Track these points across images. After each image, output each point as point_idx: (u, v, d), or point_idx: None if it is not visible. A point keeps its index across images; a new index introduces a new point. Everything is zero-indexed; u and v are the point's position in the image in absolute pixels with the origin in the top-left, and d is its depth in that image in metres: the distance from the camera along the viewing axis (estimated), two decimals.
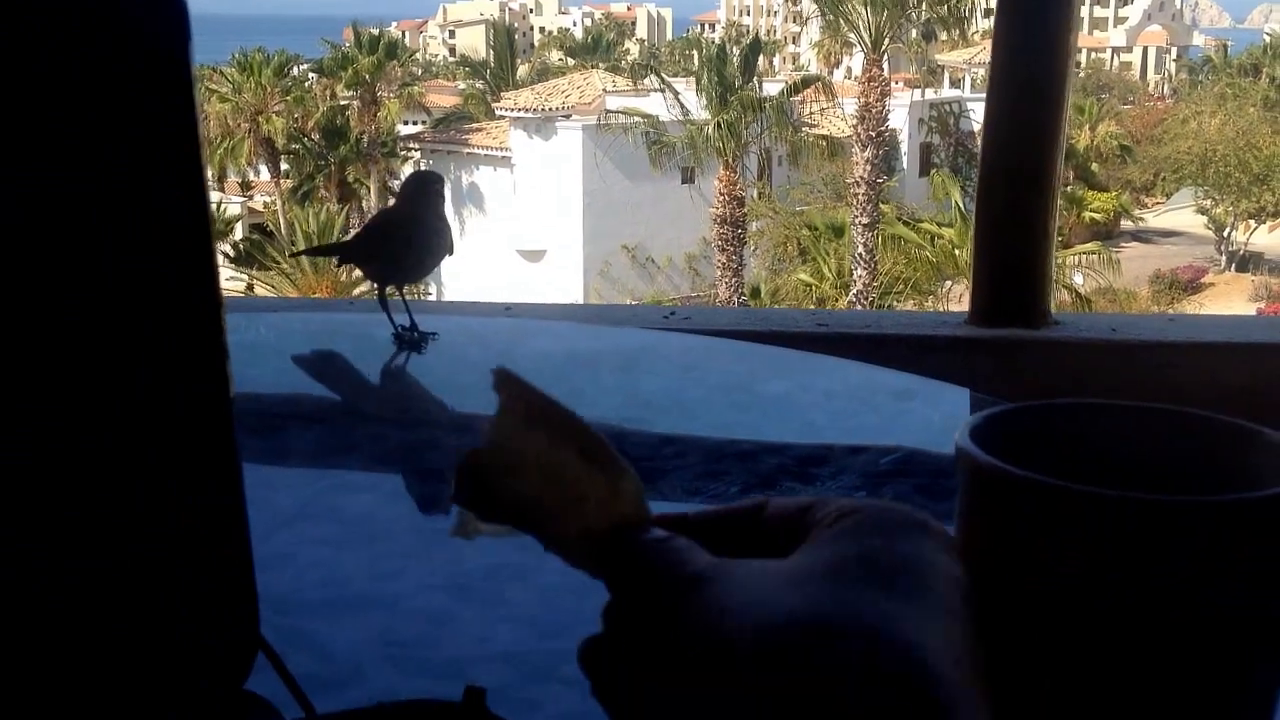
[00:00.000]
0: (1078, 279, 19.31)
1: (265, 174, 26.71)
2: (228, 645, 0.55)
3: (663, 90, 19.07)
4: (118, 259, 0.50)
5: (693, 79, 20.11)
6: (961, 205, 18.20)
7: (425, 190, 1.23)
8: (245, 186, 27.77)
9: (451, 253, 1.24)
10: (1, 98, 0.47)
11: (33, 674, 0.52)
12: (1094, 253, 20.00)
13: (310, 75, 27.65)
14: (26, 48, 0.47)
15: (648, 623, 0.36)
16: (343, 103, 26.42)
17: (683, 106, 18.43)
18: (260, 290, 20.56)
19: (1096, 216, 24.89)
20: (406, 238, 1.21)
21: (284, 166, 25.98)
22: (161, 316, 0.51)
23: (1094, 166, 26.16)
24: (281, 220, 23.35)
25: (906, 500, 0.87)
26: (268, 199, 26.93)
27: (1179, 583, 0.41)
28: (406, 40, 38.21)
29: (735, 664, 0.33)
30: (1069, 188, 23.72)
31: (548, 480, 0.40)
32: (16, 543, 0.51)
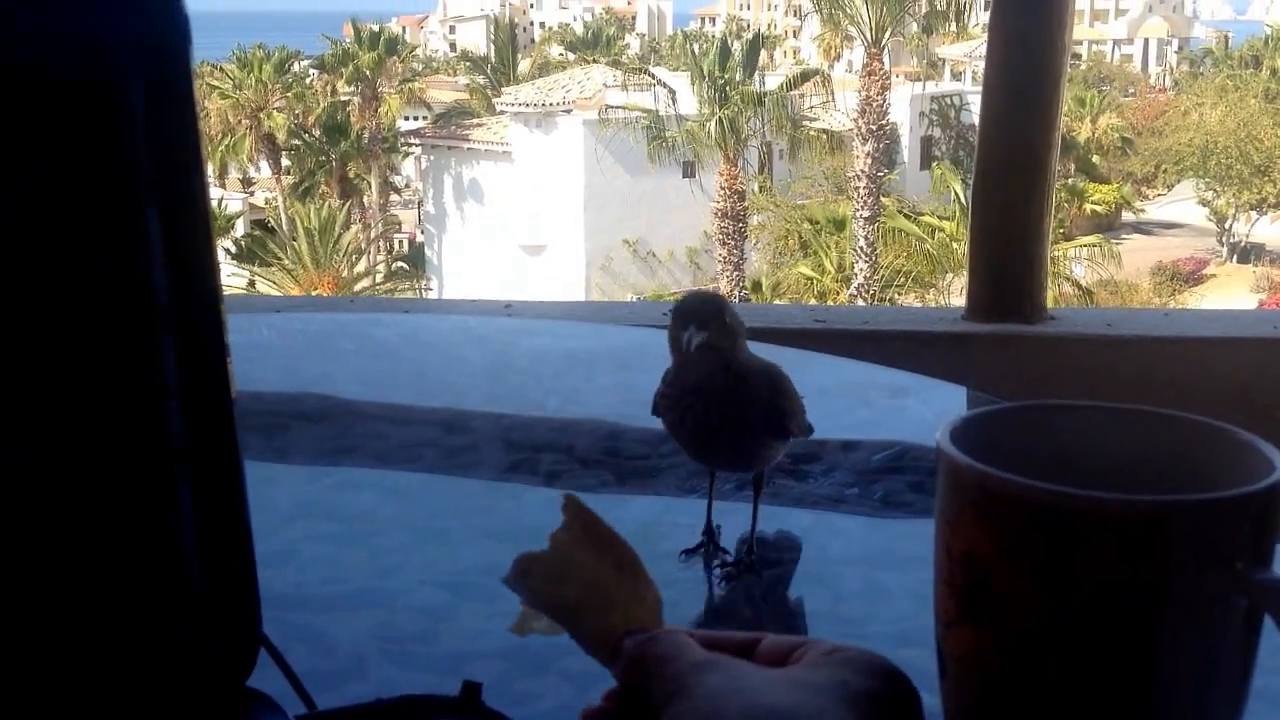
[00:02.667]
0: (1079, 271, 19.30)
1: (266, 170, 26.71)
2: (231, 642, 0.57)
3: (660, 85, 19.05)
4: (115, 257, 0.51)
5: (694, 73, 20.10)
6: (962, 198, 18.18)
7: (683, 328, 0.75)
8: (246, 183, 27.78)
9: (779, 431, 0.75)
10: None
11: (33, 673, 0.53)
12: (1095, 245, 19.98)
13: (311, 71, 27.65)
14: (23, 46, 0.48)
15: (653, 701, 0.43)
16: (343, 99, 26.41)
17: (675, 107, 18.40)
18: (262, 287, 20.57)
19: (1098, 208, 24.88)
20: (669, 398, 0.77)
21: (285, 163, 25.99)
22: (161, 315, 0.52)
23: (1095, 158, 26.13)
24: (283, 216, 23.36)
25: (898, 495, 0.89)
26: (269, 195, 26.93)
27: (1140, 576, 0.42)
28: (407, 36, 38.17)
29: None
30: (1070, 180, 23.72)
31: (587, 589, 0.48)
32: (15, 542, 0.52)
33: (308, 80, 27.10)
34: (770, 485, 0.90)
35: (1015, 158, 2.16)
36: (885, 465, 0.94)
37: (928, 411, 1.11)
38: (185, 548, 0.54)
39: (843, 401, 1.13)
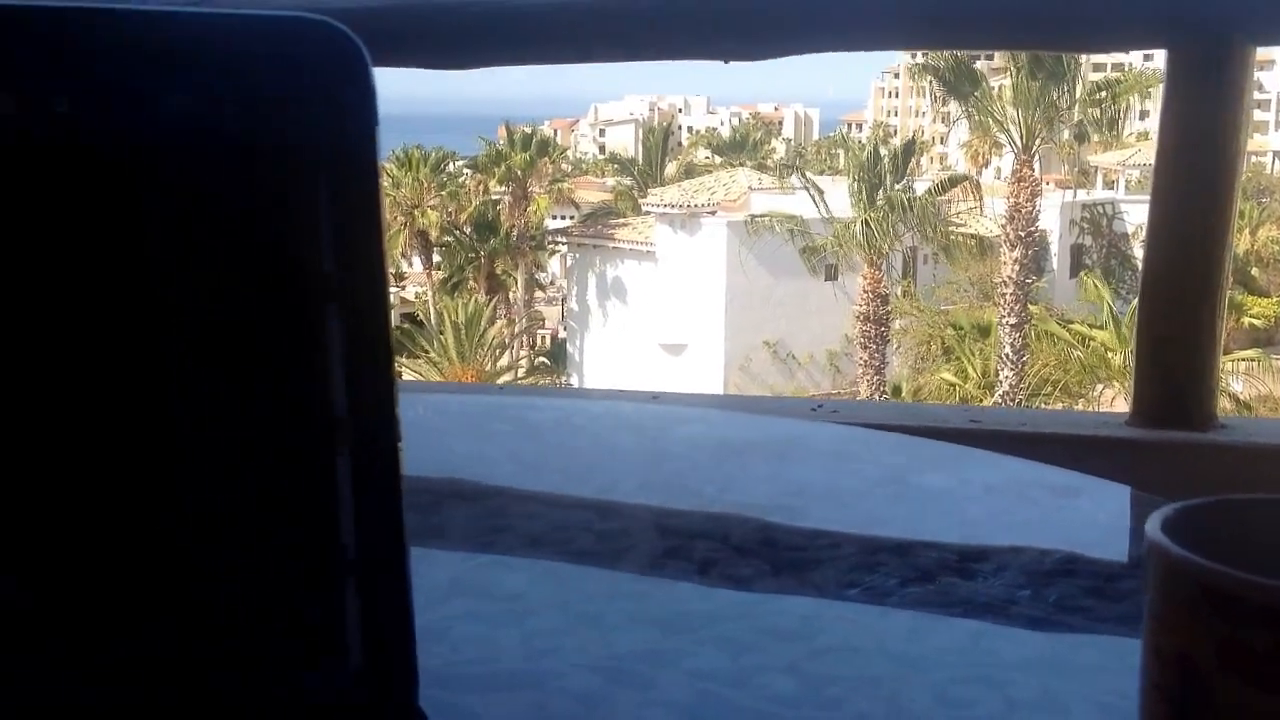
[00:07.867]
0: (1237, 385, 18.64)
1: (418, 265, 27.54)
2: (390, 715, 0.56)
3: (806, 188, 19.15)
4: (301, 342, 0.51)
5: (838, 176, 20.20)
6: (1113, 308, 17.79)
7: None
8: (398, 277, 28.65)
9: None
10: (200, 176, 0.49)
11: None
12: (1254, 360, 19.30)
13: (465, 171, 28.56)
14: (230, 133, 0.49)
15: None
16: (495, 197, 27.19)
17: (826, 207, 18.46)
18: (408, 378, 21.10)
19: (1256, 323, 24.07)
20: None
21: (436, 258, 26.77)
22: (341, 400, 0.52)
23: (1254, 271, 25.34)
24: (431, 310, 23.99)
25: (1073, 600, 0.84)
26: (419, 289, 27.72)
27: None
28: (558, 138, 39.21)
29: None
30: (1230, 293, 23.04)
31: None
32: (180, 607, 0.52)
33: (461, 179, 27.98)
34: (937, 584, 0.86)
35: (1185, 264, 2.09)
36: (1057, 568, 0.89)
37: (1097, 513, 1.06)
38: (349, 621, 0.54)
39: (1006, 500, 1.09)
